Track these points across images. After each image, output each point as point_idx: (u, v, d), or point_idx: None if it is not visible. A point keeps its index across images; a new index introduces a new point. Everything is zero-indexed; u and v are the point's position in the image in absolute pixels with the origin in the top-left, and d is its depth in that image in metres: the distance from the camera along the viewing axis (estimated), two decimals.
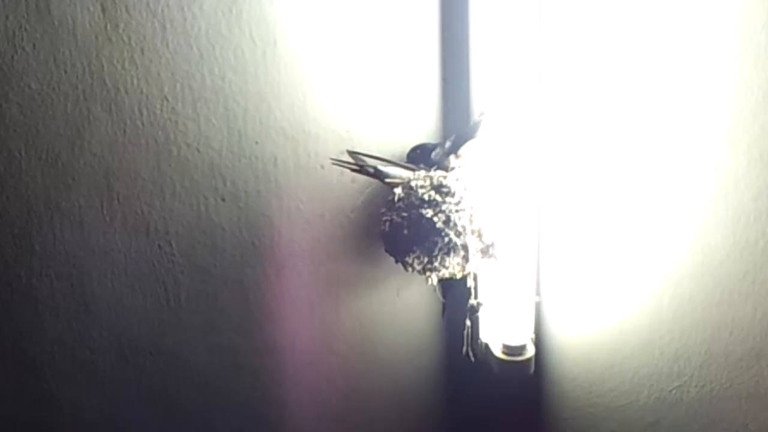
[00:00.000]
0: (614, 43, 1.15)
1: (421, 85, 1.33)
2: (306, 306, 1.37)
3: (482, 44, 1.26)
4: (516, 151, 1.26)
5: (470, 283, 1.28)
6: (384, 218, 1.26)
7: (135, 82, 1.17)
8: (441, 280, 1.27)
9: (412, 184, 1.23)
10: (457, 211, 1.20)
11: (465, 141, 1.24)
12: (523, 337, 1.32)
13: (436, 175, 1.24)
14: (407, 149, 1.32)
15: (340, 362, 1.42)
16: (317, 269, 1.36)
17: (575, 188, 1.26)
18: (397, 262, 1.27)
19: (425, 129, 1.35)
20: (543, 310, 1.36)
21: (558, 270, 1.33)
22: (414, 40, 1.31)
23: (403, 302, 1.44)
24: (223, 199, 1.26)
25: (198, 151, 1.23)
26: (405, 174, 1.26)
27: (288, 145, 1.27)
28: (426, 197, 1.21)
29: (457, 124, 1.34)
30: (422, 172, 1.25)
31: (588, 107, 1.21)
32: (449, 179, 1.23)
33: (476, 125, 1.24)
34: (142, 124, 1.20)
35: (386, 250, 1.27)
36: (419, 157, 1.30)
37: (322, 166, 1.30)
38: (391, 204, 1.25)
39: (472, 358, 1.33)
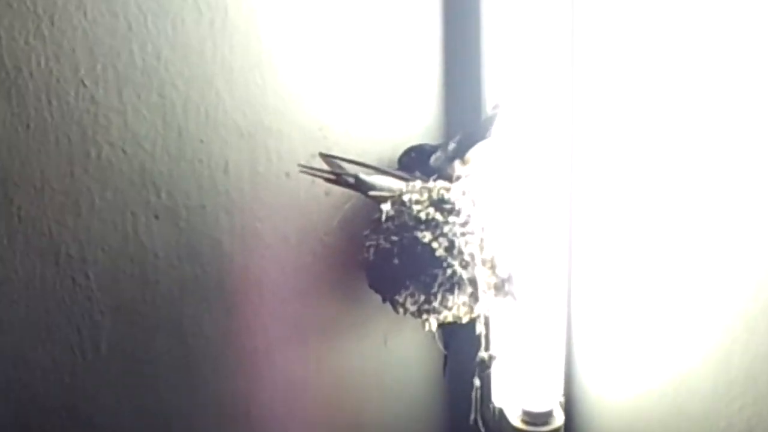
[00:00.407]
0: (671, 19, 1.12)
1: (418, 69, 1.34)
2: (264, 358, 1.36)
3: (498, 17, 1.27)
4: (541, 157, 1.25)
5: (480, 329, 1.26)
6: (368, 243, 1.25)
7: (42, 61, 1.17)
8: (442, 326, 1.27)
9: (405, 198, 1.22)
10: (463, 234, 1.20)
11: (474, 142, 1.25)
12: (549, 402, 1.31)
13: (437, 186, 1.23)
14: (399, 152, 1.32)
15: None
16: (280, 309, 1.36)
17: (617, 207, 1.24)
18: (384, 300, 1.26)
19: (422, 125, 1.36)
20: (574, 365, 1.34)
21: (595, 313, 1.31)
22: (409, 10, 1.31)
23: (393, 354, 1.44)
24: (157, 216, 1.26)
25: (124, 152, 1.23)
26: (395, 185, 1.26)
27: (242, 145, 1.28)
28: (423, 216, 1.20)
29: (463, 120, 1.34)
30: (418, 183, 1.25)
31: (638, 101, 1.18)
32: (453, 192, 1.22)
33: (489, 122, 1.24)
34: (51, 116, 1.19)
35: (371, 286, 1.27)
36: (414, 162, 1.31)
37: (288, 174, 1.30)
38: (376, 225, 1.24)
39: (482, 429, 1.31)
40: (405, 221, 1.21)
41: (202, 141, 1.26)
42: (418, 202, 1.22)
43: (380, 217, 1.23)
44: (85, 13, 1.17)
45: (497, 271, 1.22)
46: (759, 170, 1.05)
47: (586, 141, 1.26)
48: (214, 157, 1.27)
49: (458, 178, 1.26)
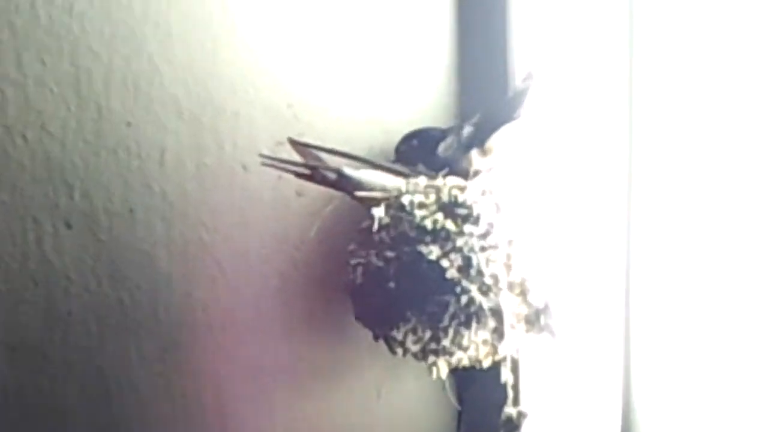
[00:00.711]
0: None
1: (421, 27, 1.36)
2: (215, 416, 1.35)
3: None
4: (589, 146, 1.23)
5: (506, 377, 1.24)
6: (354, 261, 1.23)
7: None
8: (455, 371, 1.25)
9: (405, 200, 1.20)
10: (483, 249, 1.17)
11: (498, 125, 1.23)
12: None
13: (447, 185, 1.21)
14: (396, 138, 1.31)
15: None
16: (236, 351, 1.34)
17: (691, 211, 1.16)
18: (377, 338, 1.24)
19: (427, 103, 1.36)
20: (636, 425, 1.25)
21: (662, 355, 1.21)
22: None
23: (389, 410, 1.42)
24: (69, 225, 1.25)
25: (24, 138, 1.21)
26: (391, 182, 1.24)
27: (184, 129, 1.26)
28: (428, 224, 1.18)
29: (484, 96, 1.34)
30: (422, 180, 1.23)
31: (711, 77, 1.13)
32: (470, 193, 1.20)
33: (518, 98, 1.22)
34: None
35: (358, 318, 1.25)
36: (417, 152, 1.29)
37: (246, 167, 1.28)
38: (366, 236, 1.22)
39: None
40: (405, 231, 1.19)
41: (129, 124, 1.24)
42: (422, 205, 1.20)
43: (371, 226, 1.21)
44: None
45: (529, 298, 1.20)
46: None
47: (648, 126, 1.20)
48: (147, 145, 1.25)
49: (476, 173, 1.24)
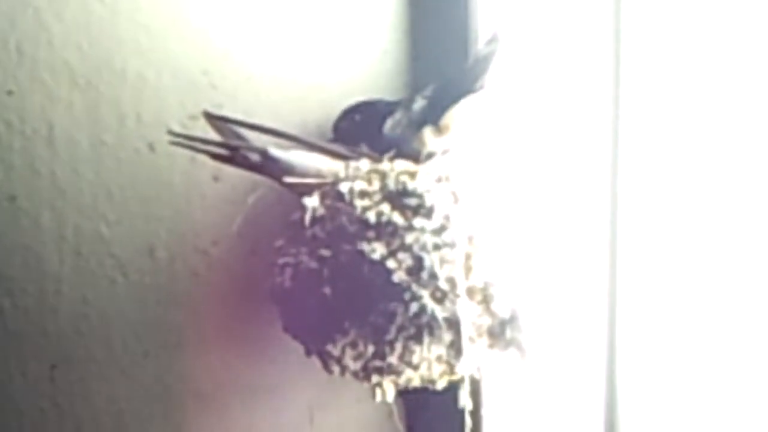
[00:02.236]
0: None
1: None
2: None
3: None
4: (564, 124, 1.16)
5: (464, 401, 1.13)
6: (283, 261, 1.14)
7: None
8: (405, 394, 1.19)
9: (343, 187, 1.11)
10: (437, 247, 1.08)
11: (456, 98, 1.14)
12: None
13: (395, 169, 1.13)
14: (334, 114, 1.22)
15: None
16: (139, 368, 1.25)
17: (678, 204, 1.10)
18: (309, 353, 1.16)
19: (372, 72, 1.28)
20: None
21: (651, 375, 1.14)
22: None
23: None
24: None
25: None
26: (327, 166, 1.15)
27: (78, 100, 1.17)
28: (372, 217, 1.09)
29: (439, 63, 1.27)
30: (364, 163, 1.14)
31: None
32: (422, 179, 1.11)
33: (480, 65, 1.13)
34: None
35: (287, 329, 1.16)
36: (359, 130, 1.21)
37: (152, 146, 1.19)
38: (297, 231, 1.13)
39: None
40: (343, 225, 1.10)
41: (10, 92, 1.14)
42: (364, 194, 1.11)
43: (302, 219, 1.12)
44: None
45: (493, 307, 1.10)
46: None
47: (634, 99, 1.12)
48: (32, 118, 1.15)
49: (430, 156, 1.15)
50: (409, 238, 1.07)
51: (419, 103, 1.17)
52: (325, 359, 1.12)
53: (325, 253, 1.10)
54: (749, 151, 1.06)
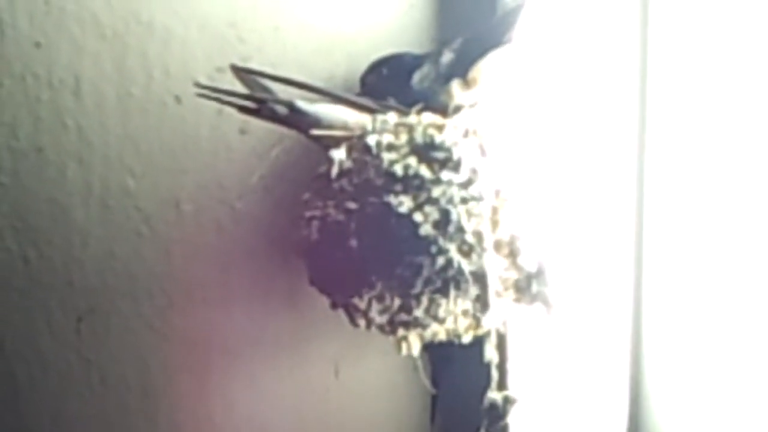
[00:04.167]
0: None
1: None
2: (138, 395, 1.25)
3: None
4: (594, 76, 1.13)
5: (491, 354, 1.13)
6: (309, 214, 1.12)
7: None
8: (430, 348, 1.17)
9: (370, 140, 1.09)
10: (464, 201, 1.07)
11: (484, 52, 1.12)
12: None
13: (423, 122, 1.11)
14: (362, 67, 1.20)
15: None
16: (165, 321, 1.24)
17: (712, 167, 1.06)
18: (336, 307, 1.13)
19: (400, 25, 1.26)
20: (644, 415, 1.16)
21: (678, 328, 1.11)
22: None
23: (348, 392, 1.33)
24: None
25: None
26: (354, 119, 1.13)
27: (105, 52, 1.15)
28: (399, 170, 1.07)
29: (467, 15, 1.25)
30: (392, 117, 1.11)
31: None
32: (449, 132, 1.08)
33: (508, 19, 1.13)
34: None
35: (313, 282, 1.14)
36: (387, 83, 1.19)
37: (179, 99, 1.18)
38: (324, 183, 1.12)
39: None
40: (370, 178, 1.09)
41: (38, 45, 1.13)
42: (391, 147, 1.09)
43: (329, 172, 1.10)
44: None
45: (520, 261, 1.09)
46: None
47: (666, 56, 1.10)
48: (59, 70, 1.14)
49: (457, 109, 1.12)
50: (436, 192, 1.06)
51: (447, 57, 1.16)
52: (351, 313, 1.11)
53: (351, 206, 1.09)
54: None
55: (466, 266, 1.05)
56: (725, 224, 1.08)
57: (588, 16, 1.17)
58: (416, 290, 1.06)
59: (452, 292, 1.06)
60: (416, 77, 1.17)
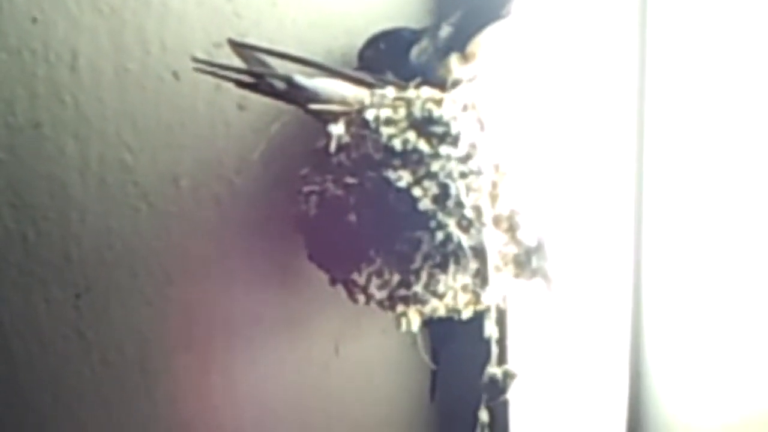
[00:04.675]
0: None
1: None
2: (136, 371, 1.26)
3: None
4: (595, 50, 1.12)
5: (490, 330, 1.09)
6: (307, 189, 1.12)
7: None
8: (430, 324, 1.15)
9: (369, 115, 1.08)
10: (464, 175, 1.06)
11: (483, 25, 1.11)
12: None
13: (421, 97, 1.09)
14: (360, 42, 1.20)
15: None
16: (163, 297, 1.25)
17: (710, 151, 1.08)
18: (334, 282, 1.13)
19: None
20: (644, 389, 1.19)
21: (676, 308, 1.14)
22: None
23: (348, 370, 1.34)
24: None
25: None
26: (353, 93, 1.12)
27: (102, 27, 1.15)
28: (397, 145, 1.06)
29: None
30: (390, 91, 1.10)
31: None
32: (447, 106, 1.08)
33: None
34: None
35: (312, 258, 1.14)
36: (384, 57, 1.18)
37: (176, 74, 1.18)
38: (322, 158, 1.11)
39: None
40: (369, 153, 1.07)
41: (35, 20, 1.13)
42: (390, 121, 1.07)
43: (328, 146, 1.09)
44: None
45: (519, 235, 1.08)
46: None
47: (665, 32, 1.11)
48: (56, 45, 1.14)
49: (456, 83, 1.11)
50: (435, 166, 1.05)
51: (445, 31, 1.15)
52: (351, 288, 1.11)
53: (350, 180, 1.08)
54: None
55: (466, 241, 1.05)
56: (725, 205, 1.07)
57: None
58: (415, 265, 1.05)
59: (451, 267, 1.05)
60: (414, 52, 1.16)
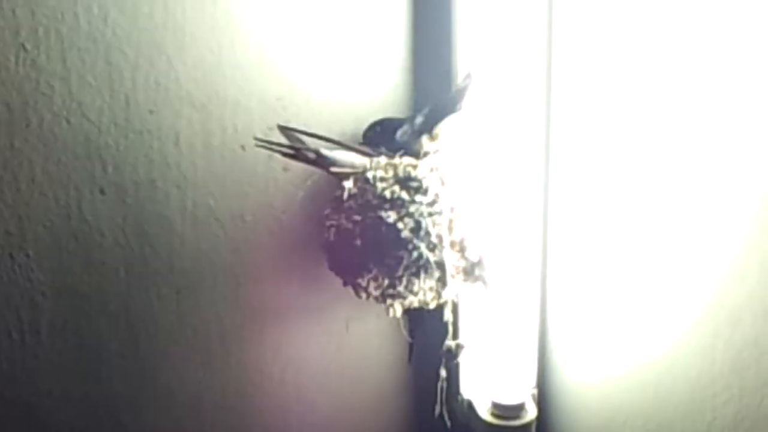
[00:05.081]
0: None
1: (383, 38, 1.36)
2: (218, 345, 1.39)
3: None
4: (515, 132, 1.27)
5: (448, 316, 1.30)
6: (328, 223, 1.27)
7: None
8: (408, 312, 1.30)
9: (369, 175, 1.24)
10: (430, 214, 1.22)
11: (443, 116, 1.26)
12: (521, 394, 1.34)
13: (403, 163, 1.25)
14: (363, 126, 1.34)
15: (264, 424, 1.45)
16: (234, 293, 1.38)
17: (596, 185, 1.25)
18: (346, 284, 1.29)
19: (388, 97, 1.38)
20: (549, 355, 1.36)
21: (572, 299, 1.32)
22: None
23: (355, 341, 1.47)
24: (103, 192, 1.27)
25: (68, 122, 1.22)
26: (359, 161, 1.27)
27: (195, 116, 1.28)
28: (387, 194, 1.23)
29: (432, 92, 1.36)
30: (383, 159, 1.26)
31: (616, 81, 1.21)
32: (420, 169, 1.24)
33: (460, 93, 1.25)
34: None
35: (331, 268, 1.29)
36: (379, 137, 1.32)
37: (243, 148, 1.31)
38: (338, 203, 1.26)
39: (449, 422, 1.34)
40: (368, 200, 1.24)
41: (151, 111, 1.26)
42: (382, 179, 1.24)
43: (342, 195, 1.25)
44: None
45: (467, 254, 1.25)
46: (745, 157, 1.07)
47: (563, 117, 1.27)
48: (165, 128, 1.27)
49: (426, 154, 1.27)
50: (412, 209, 1.21)
51: (419, 119, 1.28)
52: (356, 288, 1.27)
53: (356, 218, 1.23)
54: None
55: (432, 258, 1.21)
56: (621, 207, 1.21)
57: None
58: (399, 273, 1.21)
59: (422, 275, 1.22)
60: (399, 133, 1.29)
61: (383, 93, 1.38)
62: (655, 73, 1.15)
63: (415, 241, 1.21)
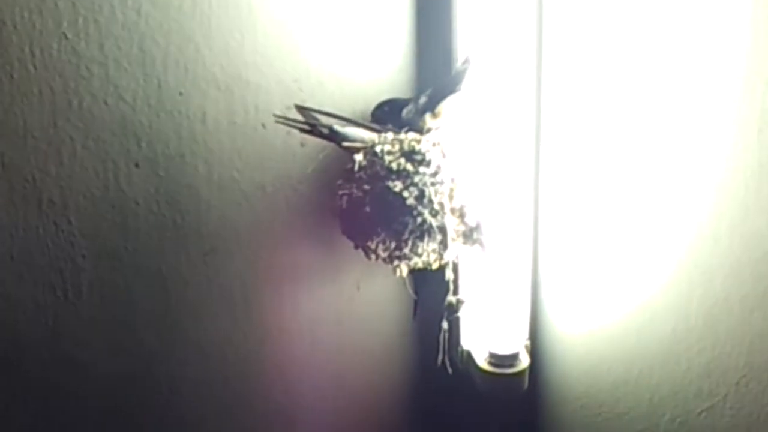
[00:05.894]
0: None
1: (389, 25, 1.37)
2: (240, 301, 1.41)
3: None
4: (509, 111, 1.29)
5: (449, 275, 1.31)
6: (341, 192, 1.30)
7: (25, 14, 1.19)
8: (412, 271, 1.31)
9: (377, 149, 1.26)
10: (433, 184, 1.24)
11: (444, 96, 1.28)
12: (515, 345, 1.36)
13: (408, 138, 1.27)
14: (371, 105, 1.35)
15: (282, 373, 1.47)
16: (255, 255, 1.40)
17: (582, 156, 1.29)
18: (357, 247, 1.31)
19: (394, 79, 1.39)
20: (540, 309, 1.40)
21: (561, 260, 1.36)
22: None
23: (365, 298, 1.49)
24: (137, 165, 1.29)
25: (105, 103, 1.25)
26: (368, 136, 1.29)
27: (220, 97, 1.30)
28: (394, 166, 1.25)
29: (434, 74, 1.38)
30: (390, 135, 1.28)
31: (603, 61, 1.23)
32: (424, 144, 1.26)
33: (459, 76, 1.27)
34: (35, 67, 1.21)
35: (343, 232, 1.31)
36: (386, 115, 1.33)
37: (264, 125, 1.33)
38: (349, 174, 1.28)
39: (450, 370, 1.35)
40: (377, 171, 1.25)
41: (181, 93, 1.28)
42: (389, 152, 1.25)
43: (353, 167, 1.27)
44: None
45: (466, 219, 1.27)
46: (714, 130, 1.13)
47: (553, 93, 1.30)
48: (193, 108, 1.29)
49: (429, 130, 1.28)
50: (416, 179, 1.23)
51: (422, 99, 1.29)
52: (366, 251, 1.29)
53: (366, 187, 1.25)
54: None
55: (434, 223, 1.23)
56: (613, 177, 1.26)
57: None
58: (404, 237, 1.23)
59: (426, 239, 1.24)
60: (404, 112, 1.30)
61: (390, 75, 1.39)
62: (645, 33, 1.19)
63: (419, 207, 1.23)
